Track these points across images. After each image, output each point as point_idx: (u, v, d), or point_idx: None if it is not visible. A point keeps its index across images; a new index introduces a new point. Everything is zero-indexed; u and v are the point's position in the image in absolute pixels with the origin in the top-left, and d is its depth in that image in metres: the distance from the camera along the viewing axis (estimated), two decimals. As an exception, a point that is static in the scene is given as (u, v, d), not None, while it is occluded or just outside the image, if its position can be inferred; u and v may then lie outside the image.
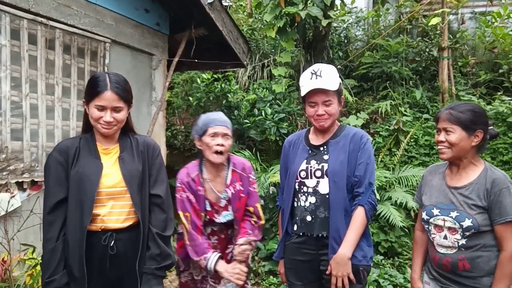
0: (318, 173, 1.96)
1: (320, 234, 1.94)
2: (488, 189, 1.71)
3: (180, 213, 2.11)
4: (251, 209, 2.19)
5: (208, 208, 2.13)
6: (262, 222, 2.22)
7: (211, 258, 2.01)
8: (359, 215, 1.89)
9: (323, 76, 1.92)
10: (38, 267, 2.39)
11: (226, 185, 2.15)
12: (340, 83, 1.99)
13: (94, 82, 1.75)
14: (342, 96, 2.03)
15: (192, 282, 2.21)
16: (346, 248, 1.85)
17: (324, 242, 1.94)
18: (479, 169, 1.79)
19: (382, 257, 4.08)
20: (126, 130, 1.91)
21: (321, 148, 2.02)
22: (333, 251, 1.88)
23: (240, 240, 2.10)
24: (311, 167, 1.99)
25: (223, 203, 2.14)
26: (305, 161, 2.01)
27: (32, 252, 2.55)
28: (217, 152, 2.07)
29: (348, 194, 1.92)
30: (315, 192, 1.97)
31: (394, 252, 4.21)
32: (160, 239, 1.79)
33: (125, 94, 1.77)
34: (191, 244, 2.06)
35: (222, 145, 2.07)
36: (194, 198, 2.10)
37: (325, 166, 1.95)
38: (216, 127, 2.09)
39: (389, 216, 4.13)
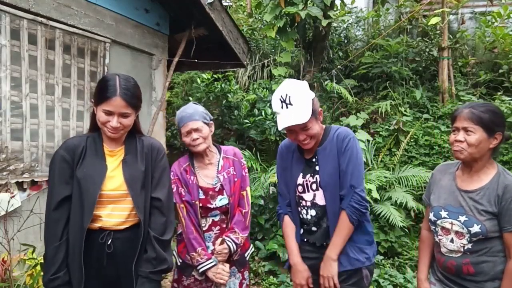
0: (314, 186, 1.97)
1: (324, 243, 1.97)
2: (500, 195, 1.65)
3: (176, 205, 2.17)
4: (244, 192, 2.28)
5: (202, 196, 2.19)
6: (249, 208, 2.28)
7: (206, 264, 2.12)
8: (342, 220, 1.89)
9: (293, 104, 1.80)
10: (38, 267, 2.38)
11: (218, 171, 2.23)
12: (312, 99, 1.86)
13: (104, 85, 1.73)
14: (320, 109, 1.94)
15: (194, 285, 2.22)
16: (331, 251, 1.88)
17: (325, 249, 1.97)
18: (491, 173, 1.73)
19: (382, 257, 4.08)
20: (133, 131, 1.92)
21: (313, 160, 2.00)
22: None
23: (218, 242, 2.17)
24: (306, 181, 1.99)
25: (217, 187, 2.21)
26: (301, 174, 2.01)
27: (32, 252, 2.55)
28: (195, 146, 2.16)
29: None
30: (314, 205, 1.98)
31: (394, 252, 4.21)
32: (157, 243, 1.79)
33: (133, 101, 1.76)
34: (187, 237, 2.15)
35: (196, 139, 2.15)
36: (186, 191, 2.18)
37: (318, 178, 1.95)
38: (186, 125, 2.16)
39: (389, 216, 4.13)
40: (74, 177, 1.74)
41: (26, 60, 2.81)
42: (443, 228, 1.79)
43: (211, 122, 2.27)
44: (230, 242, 2.16)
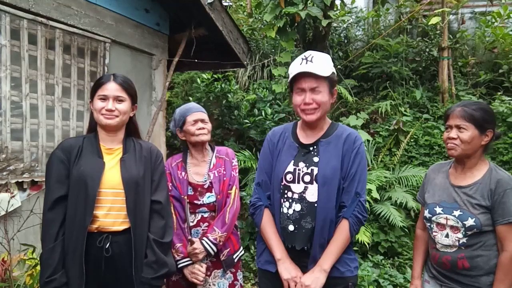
0: (307, 178, 1.75)
1: (305, 247, 1.73)
2: (492, 189, 1.71)
3: None
4: (231, 191, 2.29)
5: (190, 192, 2.23)
6: (233, 205, 2.27)
7: (182, 262, 2.16)
8: (342, 229, 1.71)
9: (314, 62, 1.73)
10: (38, 267, 2.38)
11: (210, 169, 2.28)
12: (334, 72, 1.80)
13: (99, 78, 1.86)
14: (335, 88, 1.82)
15: (182, 280, 2.23)
16: (325, 261, 1.68)
17: (307, 254, 1.74)
18: (484, 169, 1.79)
19: (382, 257, 4.08)
20: (131, 133, 1.92)
21: (311, 148, 1.80)
22: (314, 262, 1.71)
23: (189, 242, 2.17)
24: (299, 170, 1.77)
25: (206, 185, 2.24)
26: (293, 161, 1.79)
27: (32, 252, 2.55)
28: (200, 135, 2.23)
29: (337, 203, 1.74)
30: (301, 199, 1.74)
31: (394, 252, 4.21)
32: (157, 246, 1.79)
33: (127, 86, 1.83)
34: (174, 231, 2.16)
35: (203, 128, 2.24)
36: (174, 185, 2.22)
37: (315, 170, 1.74)
38: (193, 114, 2.25)
39: (389, 216, 4.13)
40: (70, 176, 1.73)
41: (26, 60, 2.81)
42: (438, 224, 1.83)
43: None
44: (207, 243, 2.15)
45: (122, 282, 1.76)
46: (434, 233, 1.86)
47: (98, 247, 1.72)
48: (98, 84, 1.81)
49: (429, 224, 1.89)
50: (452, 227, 1.78)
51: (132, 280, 1.75)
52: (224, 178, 2.27)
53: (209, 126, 2.29)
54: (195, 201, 2.22)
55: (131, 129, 1.93)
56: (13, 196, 2.68)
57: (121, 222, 1.76)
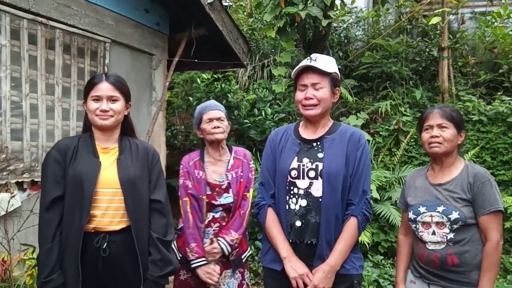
0: (312, 174, 1.77)
1: (310, 241, 1.76)
2: (471, 183, 1.80)
3: (180, 199, 2.20)
4: (247, 194, 2.29)
5: (209, 192, 2.21)
6: (248, 209, 2.28)
7: (196, 262, 2.13)
8: (351, 226, 1.74)
9: (317, 61, 1.79)
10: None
11: (228, 169, 2.27)
12: (337, 72, 1.84)
13: (91, 78, 1.85)
14: (338, 88, 1.86)
15: (192, 279, 2.22)
16: (335, 260, 1.70)
17: (314, 250, 1.76)
18: (460, 166, 1.89)
19: (382, 257, 4.08)
20: (126, 132, 1.92)
21: (314, 144, 1.82)
22: (321, 259, 1.73)
23: (209, 241, 2.17)
24: (303, 165, 1.79)
25: (224, 185, 2.23)
26: (296, 158, 1.81)
27: (32, 252, 2.55)
28: (215, 133, 2.22)
29: (342, 199, 1.76)
30: (307, 195, 1.77)
31: (394, 252, 4.20)
32: (161, 244, 1.79)
33: (120, 85, 1.82)
34: (185, 231, 2.16)
35: (218, 127, 2.22)
36: (193, 184, 2.19)
37: (320, 166, 1.76)
38: (209, 113, 2.25)
39: (389, 216, 4.13)
40: (66, 177, 1.73)
41: (26, 60, 2.81)
42: (423, 223, 1.88)
43: (229, 122, 2.36)
44: (224, 244, 2.16)
45: (121, 282, 1.76)
46: (420, 233, 1.90)
47: (95, 247, 1.72)
48: (90, 84, 1.80)
49: (414, 225, 1.93)
50: (437, 223, 1.83)
51: (131, 280, 1.75)
52: (241, 180, 2.27)
53: (225, 124, 2.26)
54: (213, 201, 2.21)
55: (126, 128, 1.93)
56: (13, 196, 2.68)
57: (118, 222, 1.76)
